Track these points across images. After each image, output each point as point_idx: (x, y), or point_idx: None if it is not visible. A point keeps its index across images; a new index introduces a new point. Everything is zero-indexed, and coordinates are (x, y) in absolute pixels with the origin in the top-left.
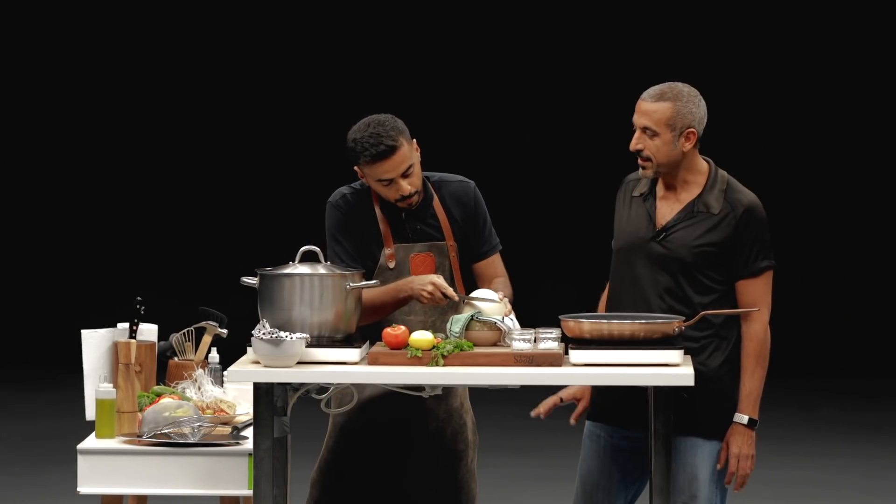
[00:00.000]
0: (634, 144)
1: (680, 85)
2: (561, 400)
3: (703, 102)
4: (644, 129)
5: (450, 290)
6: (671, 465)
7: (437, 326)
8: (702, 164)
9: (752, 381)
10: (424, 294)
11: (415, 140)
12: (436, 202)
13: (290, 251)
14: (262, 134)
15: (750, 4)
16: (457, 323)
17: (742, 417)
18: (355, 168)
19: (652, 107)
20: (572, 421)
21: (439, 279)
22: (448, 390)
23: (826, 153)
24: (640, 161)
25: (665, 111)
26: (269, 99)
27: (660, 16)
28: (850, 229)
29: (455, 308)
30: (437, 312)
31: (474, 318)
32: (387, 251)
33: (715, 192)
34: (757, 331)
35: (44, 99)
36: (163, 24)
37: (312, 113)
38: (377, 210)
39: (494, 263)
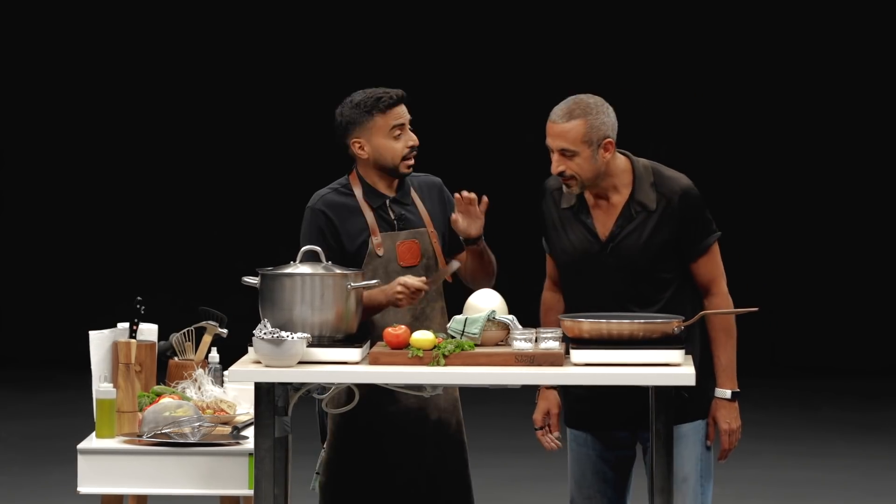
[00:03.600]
0: (556, 168)
1: (583, 97)
2: (543, 422)
3: (610, 109)
4: (562, 152)
5: (418, 282)
6: (672, 464)
7: (427, 314)
8: (621, 162)
9: (725, 354)
10: (400, 299)
11: None
12: (412, 192)
13: (291, 251)
14: (262, 134)
15: (742, 3)
16: (473, 324)
17: (724, 392)
18: (354, 141)
19: (564, 127)
20: (555, 444)
21: (404, 279)
22: None
23: (825, 154)
24: (563, 181)
25: (579, 129)
26: (269, 99)
27: (652, 15)
28: (850, 229)
29: (436, 292)
30: (426, 300)
31: (490, 318)
32: (374, 240)
33: (645, 188)
34: (720, 304)
35: (44, 99)
36: (162, 25)
37: (312, 113)
38: (361, 200)
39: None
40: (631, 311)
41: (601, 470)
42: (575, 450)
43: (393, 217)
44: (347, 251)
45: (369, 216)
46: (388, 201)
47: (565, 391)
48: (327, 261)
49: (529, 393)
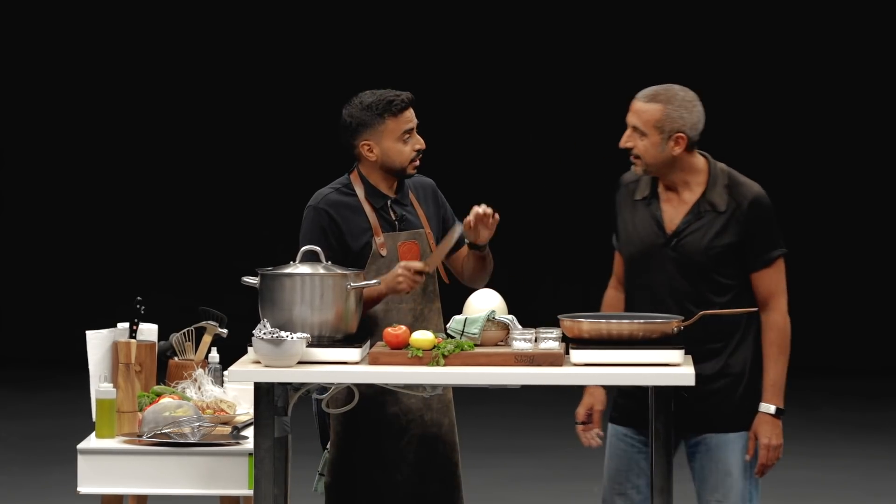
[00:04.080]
0: (624, 142)
1: (676, 88)
2: (586, 417)
3: (698, 107)
4: (634, 128)
5: (418, 265)
6: (671, 464)
7: (426, 315)
8: (698, 161)
9: (775, 370)
10: (400, 282)
11: None
12: (410, 193)
13: (291, 251)
14: (263, 134)
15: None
16: (473, 324)
17: (768, 407)
18: (362, 143)
19: (643, 107)
20: (595, 441)
21: (404, 263)
22: None
23: (825, 153)
24: (631, 157)
25: (654, 113)
26: (268, 99)
27: (663, 13)
28: (850, 229)
29: (433, 293)
30: (424, 300)
31: (490, 318)
32: (377, 240)
33: (718, 189)
34: (776, 319)
35: (44, 99)
36: (162, 25)
37: (312, 113)
38: (363, 200)
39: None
40: (689, 311)
41: (639, 467)
42: (615, 445)
43: (394, 217)
44: (351, 250)
45: (371, 216)
46: (389, 202)
47: (618, 387)
48: (327, 260)
49: (529, 393)
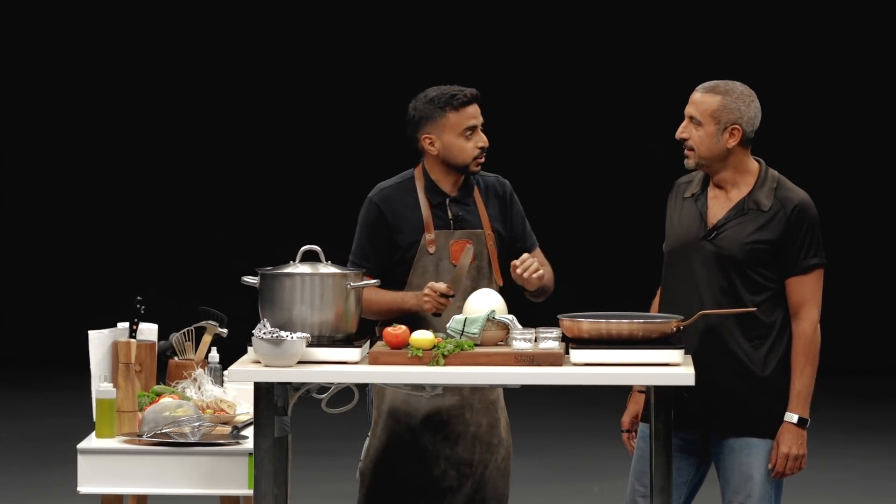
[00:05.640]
0: (680, 132)
1: (736, 83)
2: (631, 426)
3: (756, 104)
4: (691, 119)
5: (443, 286)
6: (671, 464)
7: (447, 318)
8: (752, 163)
9: (801, 380)
10: (426, 305)
11: None
12: (476, 192)
13: (291, 251)
14: (263, 134)
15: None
16: (473, 324)
17: (792, 416)
18: (425, 137)
19: (702, 98)
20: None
21: (431, 284)
22: None
23: (825, 154)
24: (685, 150)
25: (712, 103)
26: (269, 99)
27: (699, 15)
28: (850, 229)
29: (461, 297)
30: (451, 309)
31: (490, 318)
32: (427, 236)
33: (765, 190)
34: (806, 329)
35: (44, 99)
36: (163, 24)
37: (312, 113)
38: (421, 196)
39: (536, 256)
40: (722, 305)
41: None
42: (642, 446)
43: (450, 216)
44: (399, 245)
45: (426, 212)
46: (447, 199)
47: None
48: (380, 253)
49: (530, 393)
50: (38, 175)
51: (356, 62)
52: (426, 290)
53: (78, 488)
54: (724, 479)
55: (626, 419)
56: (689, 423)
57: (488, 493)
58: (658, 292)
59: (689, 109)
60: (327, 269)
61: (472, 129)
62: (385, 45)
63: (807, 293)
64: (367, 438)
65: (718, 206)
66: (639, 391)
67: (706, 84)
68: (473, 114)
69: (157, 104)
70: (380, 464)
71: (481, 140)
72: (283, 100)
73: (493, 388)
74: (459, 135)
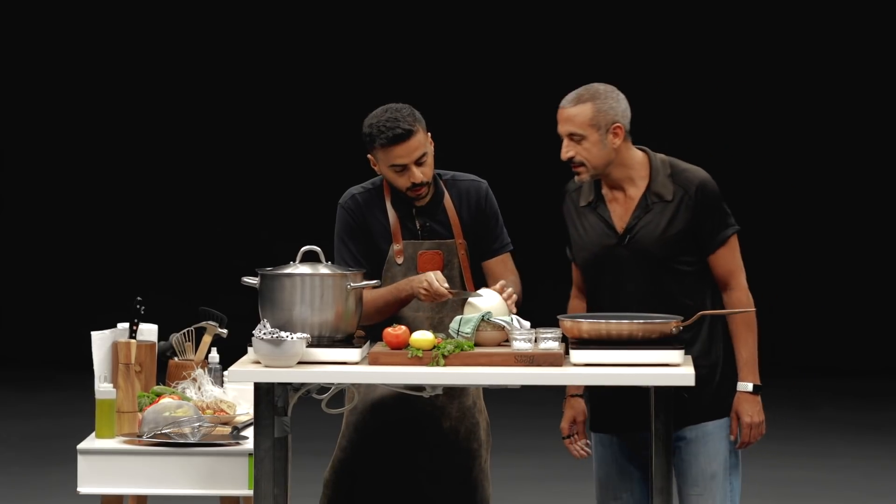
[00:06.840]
0: (565, 153)
1: (595, 84)
2: (570, 430)
3: (622, 96)
4: (570, 136)
5: (443, 289)
6: (671, 464)
7: (446, 324)
8: (637, 155)
9: (746, 349)
10: (422, 291)
11: (430, 133)
12: (446, 200)
13: (291, 251)
14: (264, 134)
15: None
16: (467, 324)
17: (746, 385)
18: (369, 157)
19: (572, 111)
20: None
21: (436, 276)
22: (461, 389)
23: (825, 154)
24: (574, 168)
25: (586, 112)
26: (269, 99)
27: (660, 13)
28: (850, 229)
29: (460, 304)
30: (446, 309)
31: (485, 318)
32: (395, 247)
33: (662, 179)
34: (739, 297)
35: (44, 99)
36: (163, 24)
37: (312, 113)
38: (388, 206)
39: (504, 262)
40: (652, 306)
41: (628, 471)
42: (601, 453)
43: (418, 227)
44: (370, 251)
45: (394, 222)
46: (414, 210)
47: (591, 395)
48: (359, 254)
49: (530, 393)
50: (39, 175)
51: (356, 62)
52: (424, 284)
53: (78, 488)
54: (679, 472)
55: (564, 425)
56: (638, 425)
57: (478, 498)
58: (571, 299)
59: (565, 128)
60: (327, 269)
61: (402, 167)
62: (385, 46)
63: (732, 262)
64: (335, 451)
65: (621, 209)
66: (572, 395)
67: (569, 97)
68: (401, 153)
69: (157, 105)
70: (345, 475)
71: (414, 177)
72: (282, 100)
73: (469, 390)
74: (389, 169)
